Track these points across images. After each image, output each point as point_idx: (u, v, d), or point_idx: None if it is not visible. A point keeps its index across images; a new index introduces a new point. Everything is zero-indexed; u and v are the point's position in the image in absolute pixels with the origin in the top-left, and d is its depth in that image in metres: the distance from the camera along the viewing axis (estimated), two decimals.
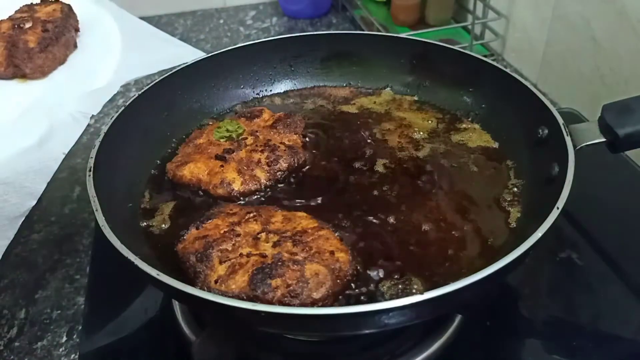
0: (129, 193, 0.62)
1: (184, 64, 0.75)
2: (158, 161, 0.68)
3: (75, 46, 0.74)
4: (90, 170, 0.56)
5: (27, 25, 0.72)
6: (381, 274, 0.52)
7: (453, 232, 0.57)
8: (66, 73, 0.71)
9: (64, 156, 0.60)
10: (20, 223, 0.59)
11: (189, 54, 0.75)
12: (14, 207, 0.58)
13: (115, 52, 0.72)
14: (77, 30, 0.76)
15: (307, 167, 0.66)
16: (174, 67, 0.74)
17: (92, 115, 0.97)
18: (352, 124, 0.74)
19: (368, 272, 0.53)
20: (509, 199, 0.61)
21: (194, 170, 0.63)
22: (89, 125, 0.96)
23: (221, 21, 1.31)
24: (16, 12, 0.76)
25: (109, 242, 0.48)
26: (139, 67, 0.70)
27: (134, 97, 0.68)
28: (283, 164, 0.64)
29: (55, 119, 0.62)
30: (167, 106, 0.71)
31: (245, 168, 0.63)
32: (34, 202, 0.58)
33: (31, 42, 0.69)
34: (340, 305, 0.49)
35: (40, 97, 0.67)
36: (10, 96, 0.68)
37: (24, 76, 0.70)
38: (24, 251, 0.73)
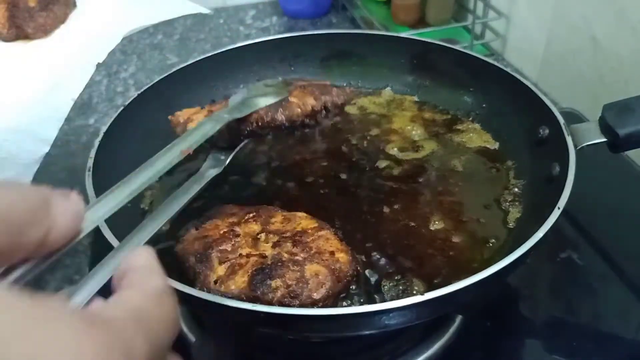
0: None
1: (184, 64, 0.75)
2: None
3: (75, 5, 0.75)
4: (89, 170, 0.56)
5: None
6: (381, 275, 0.52)
7: (453, 233, 0.57)
8: (68, 31, 0.71)
9: (72, 102, 0.62)
10: (35, 170, 0.60)
11: (190, 8, 0.75)
12: (29, 153, 0.59)
13: (116, 8, 0.72)
14: None
15: (308, 166, 0.66)
16: (174, 67, 0.74)
17: (92, 116, 0.99)
18: (352, 124, 0.74)
19: (368, 272, 0.53)
20: (509, 199, 0.61)
21: None
22: (88, 125, 0.97)
23: (221, 21, 1.31)
24: None
25: (108, 242, 0.47)
26: (140, 18, 0.70)
27: (134, 96, 0.67)
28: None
29: (62, 71, 0.63)
30: (167, 106, 0.71)
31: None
32: (47, 149, 0.60)
33: (31, 1, 0.71)
34: (341, 306, 0.49)
35: (45, 55, 0.68)
36: (15, 57, 0.69)
37: (26, 37, 0.71)
38: None
